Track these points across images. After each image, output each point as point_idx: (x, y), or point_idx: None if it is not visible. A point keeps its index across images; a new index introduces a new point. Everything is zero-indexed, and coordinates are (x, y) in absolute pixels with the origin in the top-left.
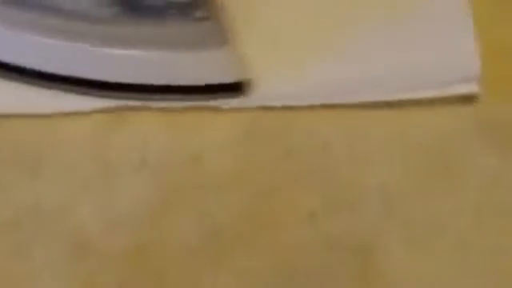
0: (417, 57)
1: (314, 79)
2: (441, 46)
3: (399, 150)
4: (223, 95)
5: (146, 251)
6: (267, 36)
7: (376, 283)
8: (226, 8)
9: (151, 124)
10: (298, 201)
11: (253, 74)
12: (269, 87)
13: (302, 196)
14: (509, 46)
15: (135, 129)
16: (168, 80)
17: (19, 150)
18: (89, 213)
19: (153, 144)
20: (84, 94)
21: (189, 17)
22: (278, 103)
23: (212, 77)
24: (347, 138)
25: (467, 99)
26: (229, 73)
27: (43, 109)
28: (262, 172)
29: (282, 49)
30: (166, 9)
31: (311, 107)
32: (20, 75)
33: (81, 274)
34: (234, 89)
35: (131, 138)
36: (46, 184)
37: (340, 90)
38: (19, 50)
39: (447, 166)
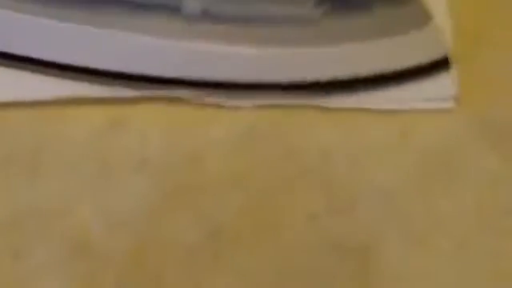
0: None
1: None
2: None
3: (399, 151)
4: (434, 72)
5: (145, 251)
6: None
7: (376, 284)
8: None
9: (151, 123)
10: (298, 201)
11: None
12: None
13: (302, 196)
14: (504, 47)
15: (135, 128)
16: (382, 68)
17: (18, 149)
18: (88, 213)
19: (153, 143)
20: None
21: (392, 2)
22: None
23: (425, 55)
24: (347, 138)
25: (466, 100)
26: (439, 48)
27: (45, 95)
28: (262, 172)
29: None
30: None
31: (310, 109)
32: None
33: (80, 274)
34: (443, 64)
35: (131, 138)
36: (46, 184)
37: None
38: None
39: (447, 166)
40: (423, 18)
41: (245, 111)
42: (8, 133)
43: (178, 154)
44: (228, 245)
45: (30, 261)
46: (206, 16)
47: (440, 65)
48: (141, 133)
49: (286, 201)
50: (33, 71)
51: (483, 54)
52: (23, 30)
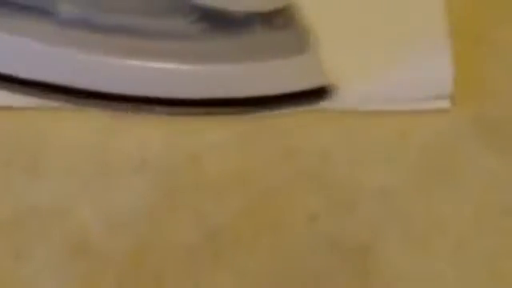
0: (396, 72)
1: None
2: (418, 64)
3: (398, 152)
4: (307, 102)
5: (145, 252)
6: None
7: (376, 284)
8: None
9: (151, 125)
10: (297, 202)
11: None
12: None
13: (302, 197)
14: (503, 46)
15: (135, 129)
16: (253, 91)
17: (19, 150)
18: (88, 213)
19: (152, 145)
20: (168, 113)
21: (271, 26)
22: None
23: (298, 83)
24: (347, 139)
25: (464, 100)
26: (314, 78)
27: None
28: (262, 173)
29: None
30: (249, 20)
31: (311, 110)
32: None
33: (80, 275)
34: (319, 94)
35: (131, 139)
36: (46, 184)
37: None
38: (100, 75)
39: (446, 166)
40: (303, 45)
41: None
42: (9, 134)
43: (177, 155)
44: (228, 245)
45: (30, 261)
46: (82, 23)
47: (317, 93)
48: (140, 134)
49: (285, 201)
50: None
51: (483, 54)
52: None
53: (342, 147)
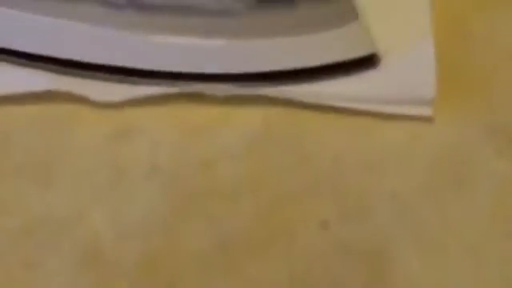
0: (379, 76)
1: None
2: (402, 70)
3: (410, 157)
4: (358, 70)
5: (157, 259)
6: None
7: None
8: None
9: (162, 131)
10: (310, 208)
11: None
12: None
13: (314, 203)
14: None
15: (146, 136)
16: (304, 63)
17: (30, 158)
18: (100, 221)
19: (164, 151)
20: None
21: None
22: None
23: (350, 52)
24: (358, 145)
25: (476, 105)
26: (364, 46)
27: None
28: (274, 179)
29: None
30: None
31: (323, 115)
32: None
33: (92, 283)
34: (369, 62)
35: (142, 145)
36: (57, 193)
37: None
38: (154, 55)
39: (458, 172)
40: (350, 15)
41: (256, 117)
42: (19, 142)
43: (189, 161)
44: (240, 252)
45: (41, 269)
46: (132, 4)
47: (366, 62)
48: (151, 139)
49: (298, 207)
50: None
51: (484, 59)
52: None
53: (353, 152)
